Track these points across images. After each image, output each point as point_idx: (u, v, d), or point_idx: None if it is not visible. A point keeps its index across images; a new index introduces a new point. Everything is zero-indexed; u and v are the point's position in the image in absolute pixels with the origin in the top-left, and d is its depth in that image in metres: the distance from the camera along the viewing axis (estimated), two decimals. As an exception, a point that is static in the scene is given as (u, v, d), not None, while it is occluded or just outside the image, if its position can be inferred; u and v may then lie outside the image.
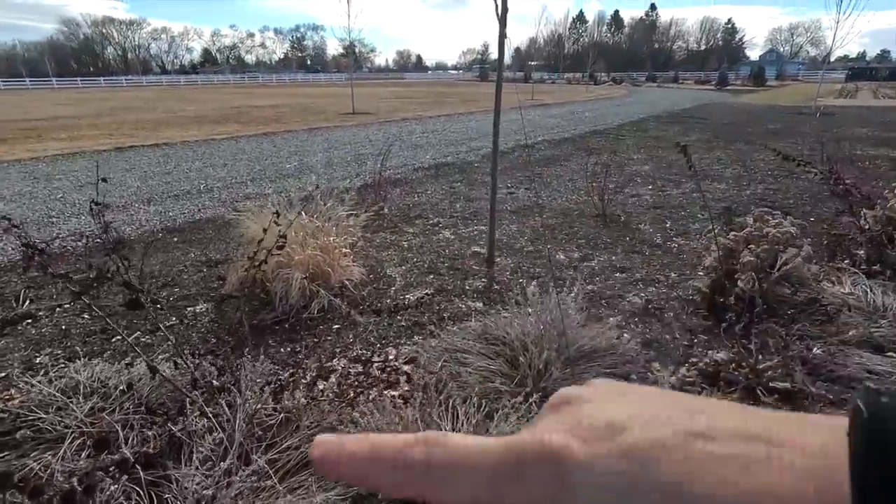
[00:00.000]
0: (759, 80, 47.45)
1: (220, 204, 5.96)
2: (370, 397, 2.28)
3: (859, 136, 12.10)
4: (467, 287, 3.54)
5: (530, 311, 2.57)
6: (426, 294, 3.45)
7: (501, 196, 6.31)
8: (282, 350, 2.79)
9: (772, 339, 2.78)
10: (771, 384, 2.39)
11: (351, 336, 2.93)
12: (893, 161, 8.51)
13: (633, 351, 2.68)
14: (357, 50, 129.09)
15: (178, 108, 21.38)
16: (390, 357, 2.69)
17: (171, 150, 9.90)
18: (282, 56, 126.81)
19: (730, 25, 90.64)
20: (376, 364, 2.64)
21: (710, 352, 2.67)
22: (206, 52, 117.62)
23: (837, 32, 17.30)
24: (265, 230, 2.55)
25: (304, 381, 2.47)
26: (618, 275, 3.78)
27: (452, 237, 4.66)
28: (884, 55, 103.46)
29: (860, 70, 62.87)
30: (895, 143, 10.75)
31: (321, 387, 2.42)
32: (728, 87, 42.27)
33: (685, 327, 2.99)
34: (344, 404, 2.14)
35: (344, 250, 3.67)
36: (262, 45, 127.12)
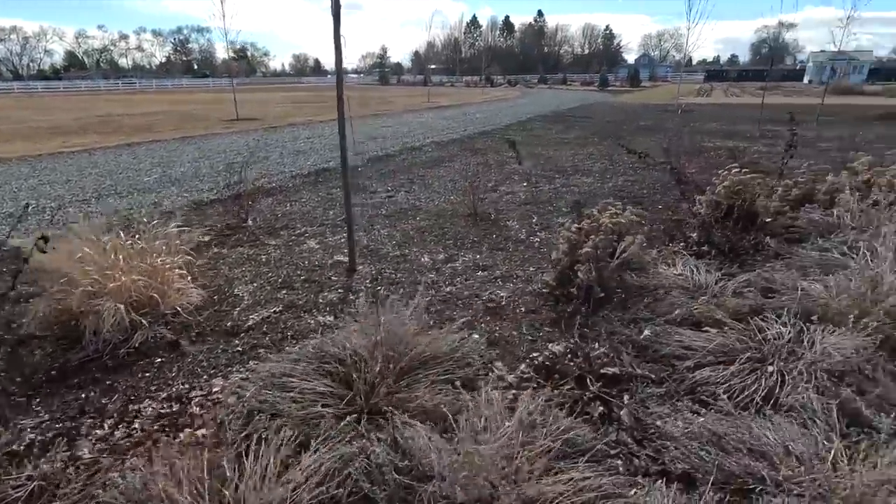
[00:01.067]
0: (634, 82, 52.13)
1: (51, 227, 5.15)
2: (173, 441, 1.99)
3: (710, 129, 13.62)
4: (321, 300, 3.32)
5: (357, 324, 2.42)
6: (273, 312, 3.18)
7: (379, 200, 6.16)
8: (86, 395, 2.38)
9: (607, 325, 2.89)
10: (601, 371, 2.46)
11: (175, 369, 2.59)
12: (732, 150, 9.62)
13: (478, 352, 2.64)
14: (249, 54, 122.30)
15: (30, 118, 18.64)
16: (214, 390, 2.40)
17: (1, 167, 8.50)
18: (164, 60, 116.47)
19: (608, 31, 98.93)
20: (196, 399, 2.34)
21: (550, 345, 2.71)
22: (71, 56, 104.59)
23: (689, 39, 19.43)
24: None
25: (97, 431, 2.11)
26: (479, 273, 3.78)
27: (317, 247, 4.41)
28: (733, 59, 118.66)
29: (715, 72, 71.56)
30: (738, 136, 12.22)
31: (118, 435, 2.08)
32: (609, 88, 45.97)
33: (533, 322, 3.02)
34: (128, 457, 1.84)
35: (179, 271, 3.28)
36: (140, 48, 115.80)
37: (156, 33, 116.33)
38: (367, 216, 5.40)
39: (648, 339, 2.74)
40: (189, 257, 3.34)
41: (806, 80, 55.50)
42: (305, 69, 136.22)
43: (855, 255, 3.38)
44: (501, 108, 22.28)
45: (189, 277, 3.34)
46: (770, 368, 2.36)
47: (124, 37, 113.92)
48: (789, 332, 2.56)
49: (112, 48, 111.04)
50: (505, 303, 3.27)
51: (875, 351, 2.44)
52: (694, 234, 4.21)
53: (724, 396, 2.16)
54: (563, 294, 3.17)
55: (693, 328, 2.80)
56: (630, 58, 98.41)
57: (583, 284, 3.06)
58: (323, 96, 34.54)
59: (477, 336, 2.83)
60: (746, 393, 2.25)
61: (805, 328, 2.56)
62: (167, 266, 3.15)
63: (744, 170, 4.60)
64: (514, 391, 2.30)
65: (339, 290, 3.47)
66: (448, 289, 3.49)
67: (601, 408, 2.21)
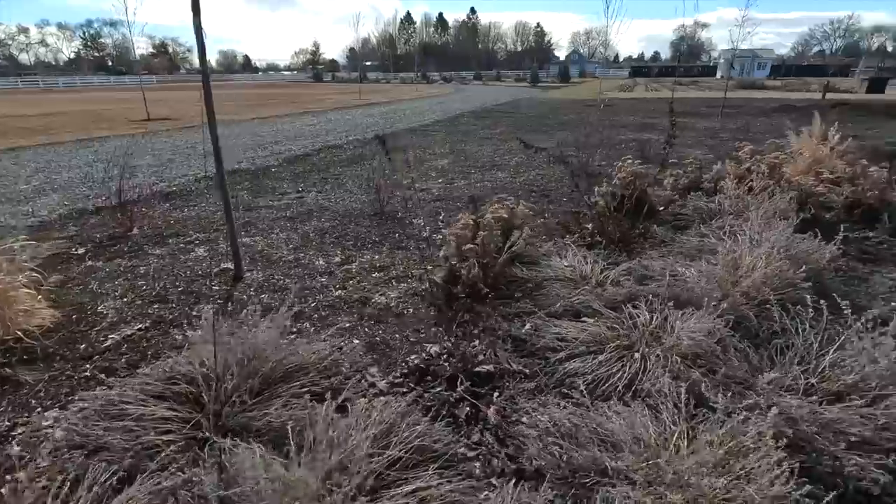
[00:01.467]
0: (564, 78, 53.86)
1: None
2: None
3: (627, 122, 14.25)
4: (195, 313, 3.07)
5: (218, 336, 2.23)
6: (138, 330, 2.90)
7: (287, 201, 5.89)
8: None
9: (490, 321, 2.87)
10: (476, 369, 2.42)
11: (4, 403, 2.28)
12: (643, 143, 10.09)
13: (353, 358, 2.53)
14: (171, 49, 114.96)
15: None
16: (45, 423, 2.13)
17: None
18: (72, 56, 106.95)
19: (539, 29, 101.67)
20: (19, 437, 2.06)
21: (429, 346, 2.64)
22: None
23: (608, 36, 20.24)
24: None
25: None
26: (375, 275, 3.66)
27: (205, 255, 4.12)
28: (656, 56, 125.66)
29: (639, 68, 75.36)
30: (651, 128, 12.84)
31: None
32: (540, 84, 47.21)
33: (419, 323, 2.95)
34: None
35: (25, 291, 2.92)
36: (43, 43, 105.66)
37: (61, 27, 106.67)
38: (270, 219, 5.13)
39: (528, 333, 2.74)
40: (36, 274, 2.98)
41: (718, 75, 59.71)
42: (235, 65, 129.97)
43: (728, 240, 3.58)
44: (432, 104, 22.24)
45: (39, 297, 2.98)
46: (636, 355, 2.42)
47: (24, 30, 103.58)
48: (657, 318, 2.64)
49: (9, 42, 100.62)
50: (394, 304, 3.18)
51: (730, 330, 2.57)
52: (589, 226, 4.31)
53: (584, 387, 2.17)
54: (451, 293, 3.11)
55: (573, 319, 2.83)
56: (562, 54, 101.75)
57: (468, 282, 3.02)
58: (250, 95, 33.07)
59: (357, 341, 2.72)
60: (611, 381, 2.29)
61: (671, 313, 2.64)
62: (10, 286, 2.80)
63: (636, 161, 4.77)
64: (382, 398, 2.21)
65: (219, 301, 3.24)
66: (338, 293, 3.35)
67: (468, 408, 2.16)
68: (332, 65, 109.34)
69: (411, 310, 3.11)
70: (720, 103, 19.73)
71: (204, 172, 7.58)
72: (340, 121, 15.26)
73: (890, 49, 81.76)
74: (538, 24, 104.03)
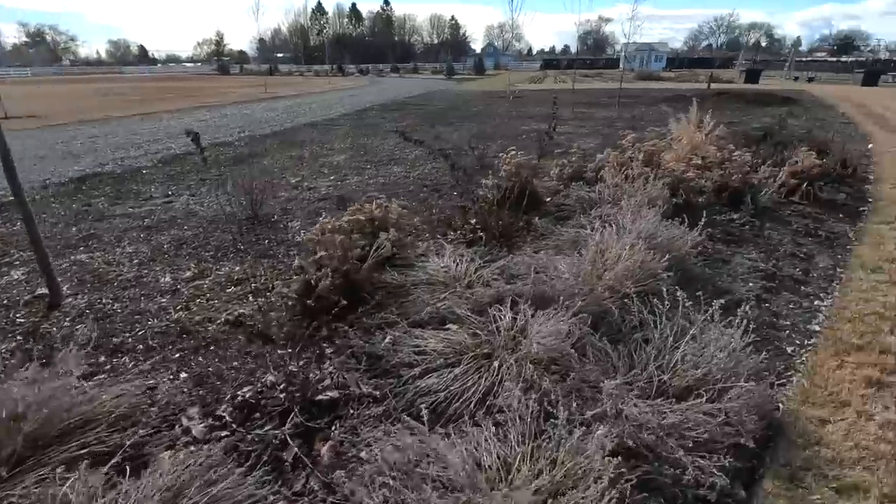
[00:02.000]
0: (480, 70, 54.51)
1: None
2: None
3: (533, 113, 14.51)
4: (-19, 355, 2.49)
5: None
6: None
7: (151, 207, 5.20)
8: None
9: (346, 338, 2.57)
10: (317, 398, 2.12)
11: None
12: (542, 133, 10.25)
13: (172, 398, 2.13)
14: (50, 38, 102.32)
15: None
16: None
17: None
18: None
19: (454, 22, 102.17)
20: None
21: (268, 374, 2.30)
22: None
23: (513, 29, 20.54)
24: None
25: None
26: (230, 289, 3.23)
27: (22, 277, 3.45)
28: (566, 49, 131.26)
29: (550, 61, 78.17)
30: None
31: None
32: (456, 76, 47.40)
33: (263, 346, 2.59)
34: None
35: None
36: None
37: None
38: (122, 229, 4.46)
39: (387, 347, 2.48)
40: None
41: (621, 67, 63.43)
42: (128, 57, 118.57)
43: (601, 230, 3.54)
44: (342, 98, 21.44)
45: None
46: (495, 364, 2.24)
47: None
48: (521, 321, 2.48)
49: None
50: (244, 324, 2.79)
51: (592, 328, 2.47)
52: (473, 221, 4.14)
53: (431, 408, 1.95)
54: (307, 307, 2.78)
55: (437, 327, 2.61)
56: (478, 47, 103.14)
57: (323, 294, 2.70)
58: (146, 88, 30.10)
59: (185, 374, 2.31)
60: (465, 397, 2.09)
61: (534, 315, 2.50)
62: None
63: (520, 153, 4.67)
64: (194, 447, 1.84)
65: (19, 337, 2.66)
66: (178, 315, 2.89)
67: (297, 449, 1.86)
68: (241, 56, 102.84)
69: (259, 329, 2.74)
70: (620, 94, 20.77)
71: (53, 178, 6.57)
72: (237, 116, 14.16)
73: (764, 44, 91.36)
74: (452, 17, 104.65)
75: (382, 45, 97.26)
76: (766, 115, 13.32)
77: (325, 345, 2.56)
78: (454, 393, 2.10)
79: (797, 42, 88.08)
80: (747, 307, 2.98)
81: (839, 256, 3.86)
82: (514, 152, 4.71)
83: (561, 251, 3.44)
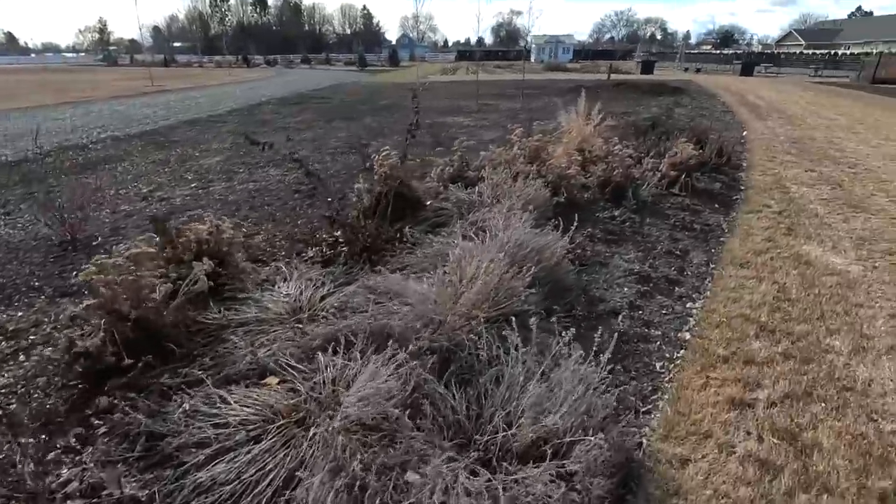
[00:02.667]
0: (394, 61, 53.49)
1: None
2: None
3: (439, 106, 14.17)
4: None
5: None
6: None
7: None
8: None
9: (123, 414, 1.98)
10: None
11: None
12: (444, 127, 9.94)
13: None
14: None
15: None
16: None
17: None
18: None
19: (366, 12, 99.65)
20: None
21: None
22: None
23: (418, 19, 20.04)
24: None
25: None
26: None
27: None
28: (481, 41, 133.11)
29: (464, 52, 78.69)
30: (457, 111, 12.89)
31: None
32: (369, 68, 46.14)
33: (14, 429, 1.94)
34: None
35: None
36: None
37: None
38: None
39: (180, 419, 1.93)
40: None
41: (533, 58, 65.25)
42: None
43: (469, 240, 3.19)
44: (237, 91, 19.83)
45: None
46: (312, 431, 1.78)
47: None
48: (353, 368, 2.04)
49: None
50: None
51: (442, 365, 2.09)
52: (338, 233, 3.65)
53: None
54: (82, 372, 2.15)
55: (255, 382, 2.11)
56: (394, 37, 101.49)
57: (94, 353, 2.09)
58: (5, 81, 26.05)
59: None
60: (259, 490, 1.61)
61: (369, 358, 2.07)
62: None
63: (388, 152, 4.23)
64: None
65: None
66: None
67: None
68: (133, 46, 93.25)
69: (25, 404, 2.07)
70: (528, 84, 21.08)
71: None
72: (106, 113, 12.46)
73: (659, 37, 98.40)
74: (364, 6, 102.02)
75: (292, 35, 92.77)
76: (658, 104, 13.99)
77: (98, 422, 1.96)
78: (246, 484, 1.62)
79: (687, 36, 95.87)
80: (620, 318, 2.79)
81: (713, 251, 3.83)
82: (387, 151, 4.26)
83: (425, 268, 3.05)
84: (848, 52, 35.85)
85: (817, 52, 37.92)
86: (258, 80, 29.15)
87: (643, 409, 2.14)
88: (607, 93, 17.68)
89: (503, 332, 2.09)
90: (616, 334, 2.60)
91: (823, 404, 2.09)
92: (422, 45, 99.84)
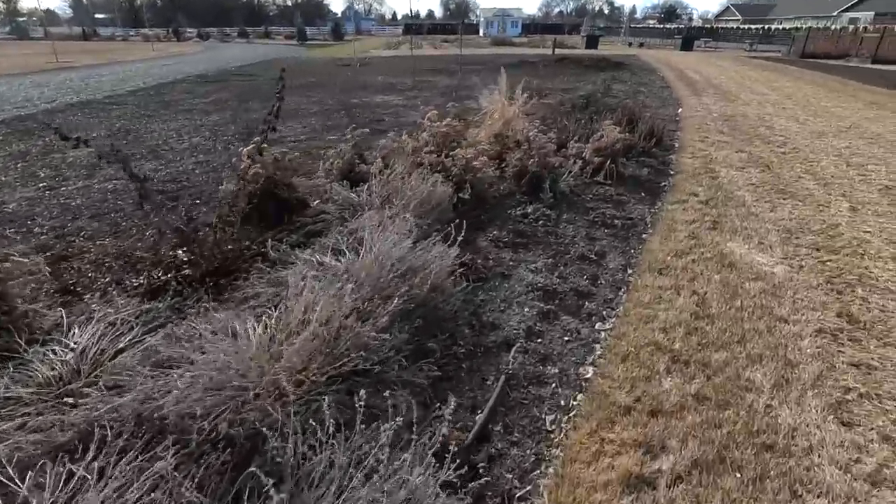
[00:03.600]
0: (337, 35, 51.03)
1: None
2: None
3: (373, 83, 13.27)
4: None
5: None
6: None
7: None
8: None
9: None
10: None
11: None
12: (375, 107, 9.16)
13: None
14: None
15: None
16: None
17: None
18: None
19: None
20: None
21: None
22: None
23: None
24: None
25: None
26: None
27: None
28: (430, 14, 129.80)
29: (412, 26, 76.30)
30: (390, 90, 12.05)
31: None
32: (309, 42, 43.76)
33: None
34: None
35: None
36: None
37: None
38: None
39: None
40: None
41: (482, 32, 64.00)
42: None
43: (346, 254, 2.58)
44: (155, 68, 18.01)
45: None
46: None
47: None
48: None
49: None
50: None
51: (249, 454, 1.50)
52: (181, 252, 2.93)
53: None
54: None
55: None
56: (339, 10, 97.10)
57: None
58: None
59: None
60: None
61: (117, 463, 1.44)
62: None
63: (267, 147, 3.52)
64: None
65: None
66: None
67: None
68: (50, 18, 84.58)
69: None
70: (471, 60, 20.34)
71: None
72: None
73: (607, 11, 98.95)
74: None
75: (228, 6, 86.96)
76: (598, 80, 13.64)
77: None
78: None
79: (633, 10, 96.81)
80: (513, 352, 2.27)
81: (632, 251, 3.39)
82: (256, 140, 3.56)
83: (272, 299, 2.42)
84: (780, 27, 36.99)
85: (752, 27, 38.98)
86: (183, 55, 26.90)
87: (518, 496, 1.64)
88: (549, 68, 17.24)
89: (345, 401, 1.51)
90: (504, 377, 2.10)
91: (738, 475, 1.66)
92: (368, 18, 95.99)
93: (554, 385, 2.14)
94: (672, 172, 5.19)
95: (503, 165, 4.37)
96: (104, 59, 23.03)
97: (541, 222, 3.68)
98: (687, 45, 30.03)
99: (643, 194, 4.53)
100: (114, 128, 7.31)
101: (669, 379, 2.11)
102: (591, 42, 29.43)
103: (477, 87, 12.08)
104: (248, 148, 3.46)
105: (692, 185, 4.66)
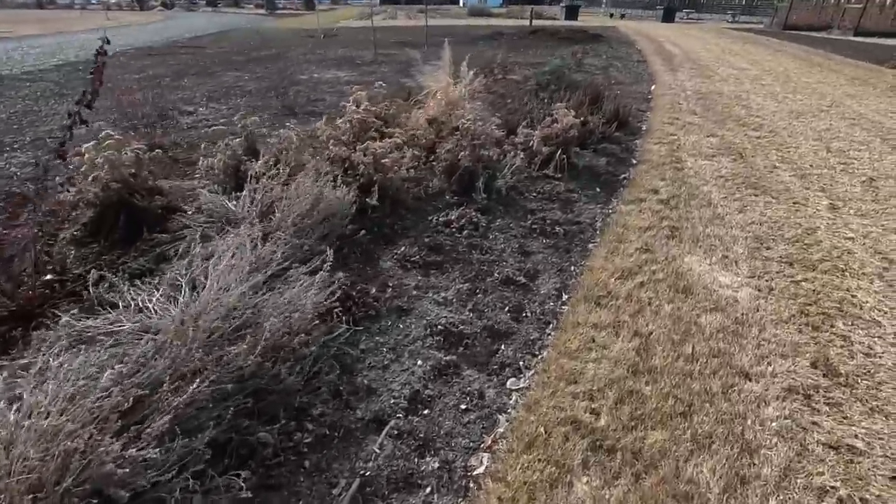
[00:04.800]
0: (309, 5, 48.62)
1: None
2: None
3: (331, 57, 12.31)
4: None
5: None
6: None
7: None
8: None
9: None
10: None
11: None
12: (322, 84, 8.32)
13: None
14: None
15: None
16: None
17: None
18: None
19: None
20: None
21: None
22: None
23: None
24: None
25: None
26: None
27: None
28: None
29: (389, -6, 73.25)
30: (347, 63, 11.13)
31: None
32: (279, 11, 41.59)
33: None
34: None
35: None
36: None
37: None
38: None
39: None
40: None
41: (461, 2, 61.70)
42: None
43: (186, 290, 1.93)
44: (95, 38, 16.58)
45: None
46: None
47: None
48: None
49: None
50: None
51: None
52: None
53: None
54: None
55: None
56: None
57: None
58: None
59: None
60: None
61: None
62: None
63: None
64: None
65: None
66: None
67: None
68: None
69: None
70: (441, 32, 19.26)
71: None
72: None
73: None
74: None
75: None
76: (571, 53, 12.85)
77: None
78: None
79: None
80: (381, 439, 1.66)
81: (571, 270, 2.79)
82: (108, 133, 2.83)
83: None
84: (764, -3, 36.08)
85: (736, -3, 38.00)
86: (137, 24, 25.10)
87: None
88: (522, 41, 16.31)
89: None
90: (357, 481, 1.51)
91: None
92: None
93: (428, 491, 1.55)
94: (634, 162, 4.57)
95: (432, 159, 3.70)
96: (50, 29, 21.31)
97: (465, 232, 3.04)
98: (668, 16, 29.12)
99: (597, 190, 3.92)
100: (17, 108, 6.39)
101: (584, 482, 1.53)
102: (571, 13, 28.32)
103: (441, 63, 11.22)
104: (97, 143, 2.73)
105: (653, 179, 4.06)
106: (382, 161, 3.04)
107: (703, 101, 7.11)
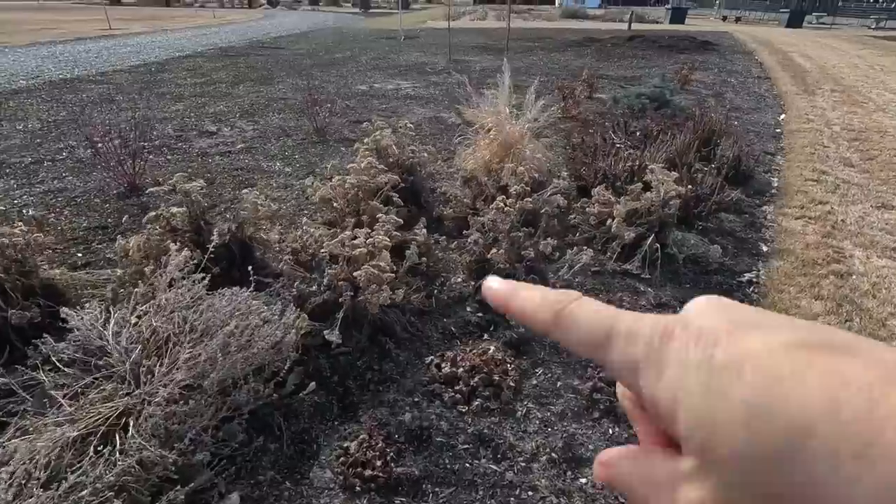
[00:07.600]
0: (405, 3, 48.99)
1: None
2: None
3: (402, 62, 11.50)
4: None
5: None
6: None
7: None
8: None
9: None
10: None
11: None
12: (379, 98, 7.43)
13: None
14: None
15: None
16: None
17: None
18: None
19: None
20: None
21: None
22: None
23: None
24: None
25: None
26: None
27: None
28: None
29: (483, -6, 72.32)
30: (417, 71, 10.23)
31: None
32: (372, 11, 42.15)
33: None
34: None
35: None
36: None
37: None
38: None
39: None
40: None
41: (556, 2, 59.27)
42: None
43: None
44: (187, 38, 17.15)
45: None
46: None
47: None
48: None
49: None
50: None
51: None
52: None
53: None
54: None
55: None
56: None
57: None
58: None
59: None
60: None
61: None
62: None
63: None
64: None
65: None
66: None
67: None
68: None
69: None
70: (527, 36, 17.92)
71: None
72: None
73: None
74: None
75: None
76: (674, 66, 10.97)
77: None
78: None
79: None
80: None
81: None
82: None
83: None
84: (920, -1, 30.55)
85: (882, -1, 32.61)
86: (237, 22, 26.20)
87: None
88: (617, 48, 14.48)
89: None
90: None
91: None
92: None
93: None
94: (765, 250, 3.11)
95: (462, 235, 2.55)
96: (156, 26, 22.71)
97: (477, 403, 1.85)
98: (795, 20, 25.27)
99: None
100: (56, 117, 6.11)
101: None
102: (678, 15, 25.51)
103: (524, 72, 9.88)
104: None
105: (801, 297, 2.60)
106: (355, 275, 1.93)
107: (860, 144, 5.28)
